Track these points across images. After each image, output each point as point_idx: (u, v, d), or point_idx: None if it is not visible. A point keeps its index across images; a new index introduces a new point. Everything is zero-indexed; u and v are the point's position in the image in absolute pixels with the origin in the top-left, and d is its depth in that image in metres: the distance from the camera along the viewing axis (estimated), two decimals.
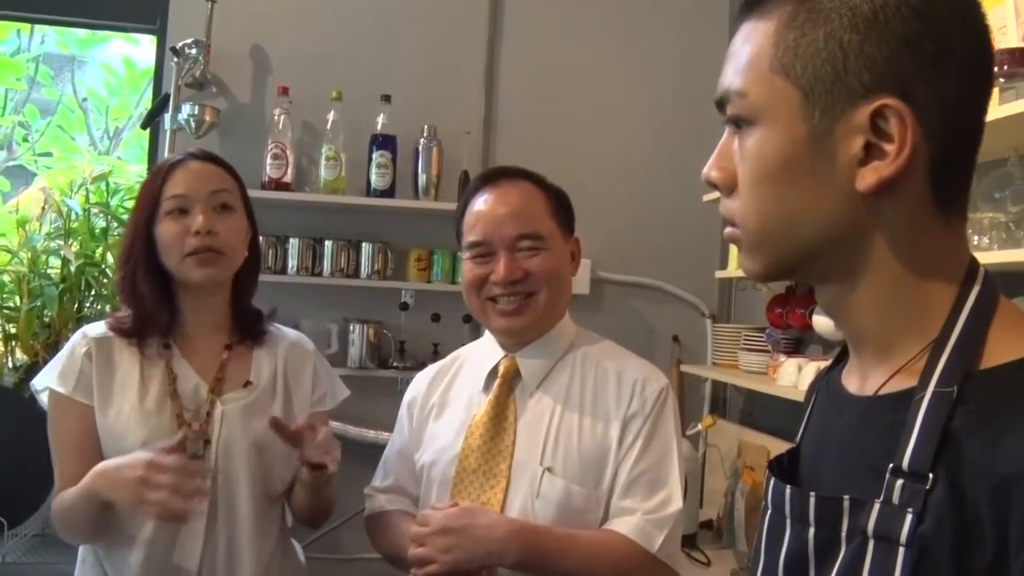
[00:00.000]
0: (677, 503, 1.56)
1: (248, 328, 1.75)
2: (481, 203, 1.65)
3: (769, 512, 0.85)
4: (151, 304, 1.64)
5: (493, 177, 1.70)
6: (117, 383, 1.63)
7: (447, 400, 1.74)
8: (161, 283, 1.66)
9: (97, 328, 1.68)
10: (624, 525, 1.54)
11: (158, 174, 1.67)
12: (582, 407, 1.62)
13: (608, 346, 1.74)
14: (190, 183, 1.64)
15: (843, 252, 0.75)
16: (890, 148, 0.70)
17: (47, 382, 1.63)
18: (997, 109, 1.67)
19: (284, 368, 1.75)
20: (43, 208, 3.12)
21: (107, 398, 1.61)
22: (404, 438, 1.79)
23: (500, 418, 1.63)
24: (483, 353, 1.74)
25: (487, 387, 1.68)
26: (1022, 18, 1.70)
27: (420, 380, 1.82)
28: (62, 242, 2.99)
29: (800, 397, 2.34)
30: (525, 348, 1.67)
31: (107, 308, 2.82)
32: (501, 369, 1.67)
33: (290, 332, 1.84)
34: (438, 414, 1.74)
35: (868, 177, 0.71)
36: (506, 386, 1.66)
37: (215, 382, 1.67)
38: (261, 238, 2.91)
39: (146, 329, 1.65)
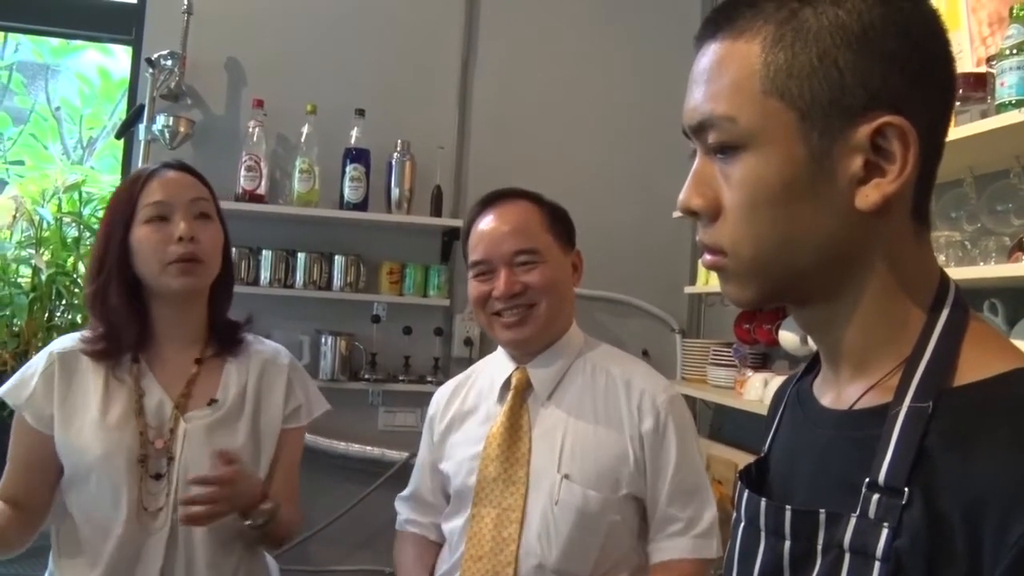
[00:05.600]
0: (712, 505, 1.68)
1: (223, 340, 1.72)
2: (482, 224, 1.74)
3: (742, 525, 0.84)
4: (122, 317, 1.60)
5: (492, 199, 1.78)
6: (79, 397, 1.59)
7: (465, 412, 1.83)
8: (133, 295, 1.62)
9: (67, 342, 1.64)
10: (682, 551, 1.66)
11: (135, 182, 1.63)
12: (595, 416, 1.70)
13: (613, 352, 1.83)
14: (170, 190, 1.62)
15: (836, 272, 0.74)
16: (889, 166, 0.70)
17: (3, 392, 1.62)
18: (953, 131, 1.71)
19: (256, 384, 1.71)
20: (14, 216, 3.09)
21: (69, 413, 1.58)
22: (427, 451, 1.88)
23: (515, 428, 1.71)
24: (496, 366, 1.82)
25: (501, 398, 1.76)
26: (976, 44, 1.75)
27: (440, 395, 1.91)
28: (33, 251, 2.97)
29: (766, 412, 2.39)
30: (535, 359, 1.75)
31: (78, 317, 2.80)
32: (513, 381, 1.75)
33: (269, 346, 1.79)
34: (458, 427, 1.82)
35: (871, 195, 0.70)
36: (519, 397, 1.74)
37: (181, 399, 1.63)
38: (234, 249, 2.96)
39: (117, 346, 1.62)
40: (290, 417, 1.74)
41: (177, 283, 1.60)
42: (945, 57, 0.74)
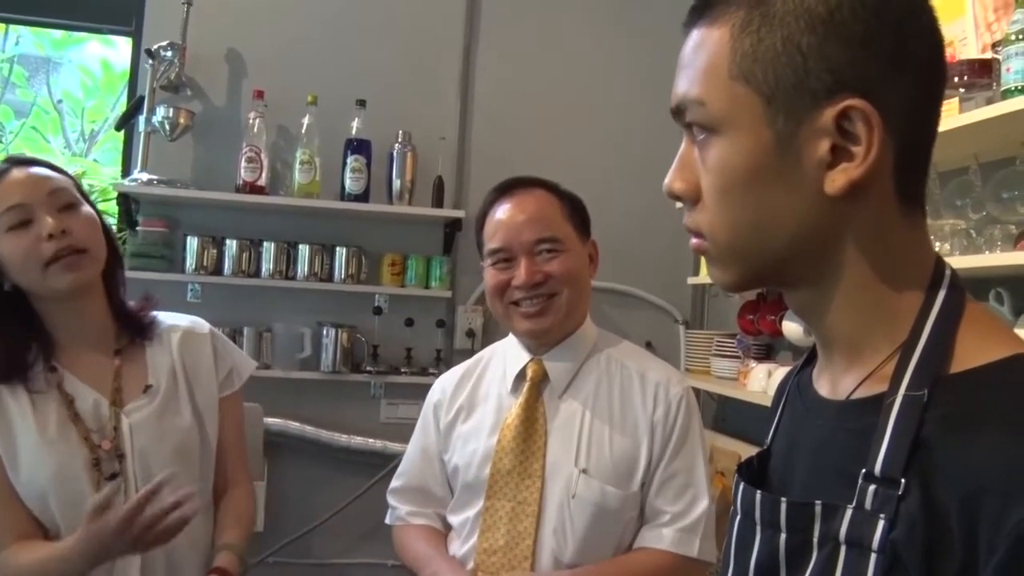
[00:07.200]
0: (704, 502, 1.66)
1: (133, 324, 1.64)
2: (500, 212, 1.71)
3: (739, 518, 0.83)
4: None
5: (509, 187, 1.75)
6: (15, 421, 1.50)
7: (475, 401, 1.79)
8: (9, 310, 1.52)
9: None
10: (660, 541, 1.64)
11: None
12: (611, 410, 1.68)
13: (628, 347, 1.81)
14: (24, 190, 1.49)
15: (814, 256, 0.74)
16: (856, 149, 0.69)
17: None
18: (958, 118, 1.70)
19: (182, 359, 1.64)
20: None
21: (9, 441, 1.50)
22: (429, 439, 1.83)
23: (531, 420, 1.68)
24: (509, 355, 1.79)
25: (516, 389, 1.73)
26: (981, 30, 1.73)
27: (446, 382, 1.86)
28: None
29: (769, 403, 2.38)
30: (551, 351, 1.73)
31: None
32: (529, 372, 1.72)
33: (182, 319, 1.72)
34: (467, 416, 1.78)
35: (838, 180, 0.70)
36: (535, 389, 1.71)
37: (114, 393, 1.56)
38: (236, 241, 2.96)
39: (9, 368, 1.51)
40: (224, 384, 1.70)
41: (65, 281, 1.49)
42: (927, 33, 0.72)
